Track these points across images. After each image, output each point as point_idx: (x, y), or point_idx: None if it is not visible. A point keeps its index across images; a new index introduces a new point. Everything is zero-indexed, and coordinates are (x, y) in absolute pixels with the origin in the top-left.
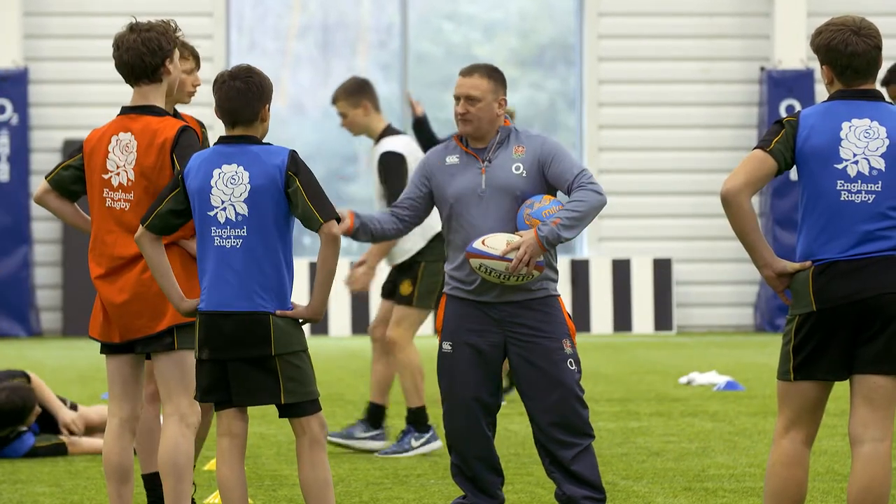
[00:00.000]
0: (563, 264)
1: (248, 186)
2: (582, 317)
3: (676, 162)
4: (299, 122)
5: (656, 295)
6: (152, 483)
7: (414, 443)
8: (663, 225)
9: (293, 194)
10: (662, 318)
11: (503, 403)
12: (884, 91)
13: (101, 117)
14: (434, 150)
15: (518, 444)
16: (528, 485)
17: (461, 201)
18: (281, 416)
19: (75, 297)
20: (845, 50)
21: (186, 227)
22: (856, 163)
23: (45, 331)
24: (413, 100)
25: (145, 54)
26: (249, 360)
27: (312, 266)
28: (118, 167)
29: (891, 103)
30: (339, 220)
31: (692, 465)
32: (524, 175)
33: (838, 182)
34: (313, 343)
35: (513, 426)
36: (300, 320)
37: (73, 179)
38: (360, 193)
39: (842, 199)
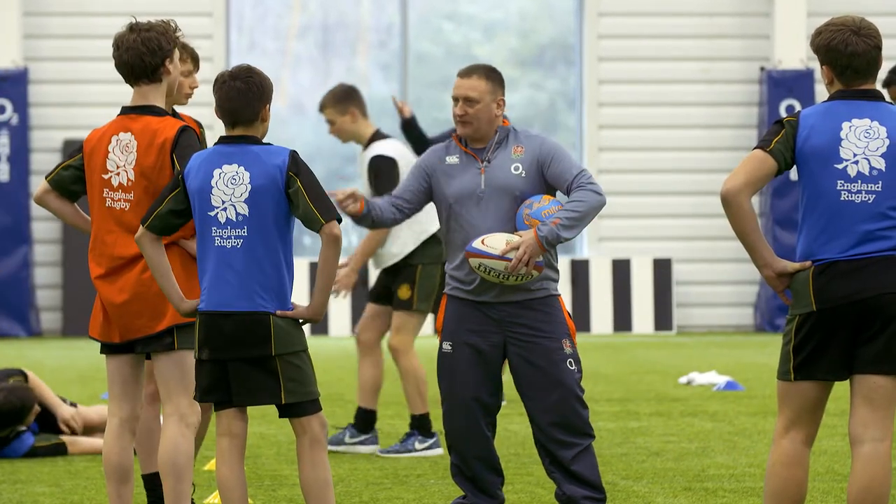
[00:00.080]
0: (563, 264)
1: (249, 186)
2: (582, 317)
3: (676, 162)
4: (299, 122)
5: (656, 295)
6: (152, 483)
7: (418, 445)
8: (663, 225)
9: (294, 195)
10: (662, 318)
11: (503, 403)
12: (885, 92)
13: (101, 117)
14: (434, 149)
15: (518, 444)
16: (528, 485)
17: (460, 201)
18: (281, 416)
19: (75, 297)
20: (845, 50)
21: (186, 227)
22: (856, 163)
23: (44, 331)
24: (398, 102)
25: (145, 54)
26: (250, 360)
27: (312, 266)
28: (118, 167)
29: (891, 103)
30: (340, 220)
31: (692, 465)
32: (523, 175)
33: (838, 182)
34: (313, 343)
35: (513, 426)
36: (300, 320)
37: (73, 179)
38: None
39: (842, 199)
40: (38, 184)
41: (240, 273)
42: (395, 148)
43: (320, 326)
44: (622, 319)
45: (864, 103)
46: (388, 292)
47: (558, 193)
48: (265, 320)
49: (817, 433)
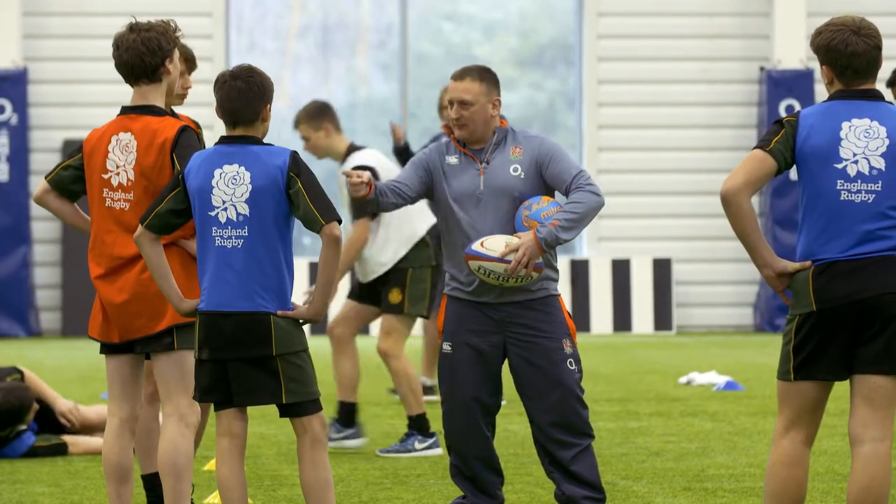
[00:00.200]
0: (562, 264)
1: (250, 187)
2: (582, 317)
3: (676, 162)
4: None
5: (656, 295)
6: (151, 483)
7: (418, 445)
8: (663, 225)
9: (294, 195)
10: (662, 318)
11: (503, 403)
12: (888, 92)
13: (100, 117)
14: (435, 148)
15: (517, 444)
16: (527, 485)
17: (459, 202)
18: (282, 415)
19: (75, 297)
20: (845, 50)
21: (186, 226)
22: (856, 162)
23: (44, 331)
24: (395, 128)
25: (145, 54)
26: (250, 360)
27: (312, 266)
28: (118, 167)
29: (891, 103)
30: (340, 221)
31: (692, 465)
32: (522, 176)
33: (838, 182)
34: (313, 343)
35: (512, 426)
36: (301, 321)
37: (73, 179)
38: None
39: (842, 198)
40: (37, 184)
41: (240, 273)
42: (372, 156)
43: (320, 327)
44: (622, 319)
45: (864, 103)
46: (374, 293)
47: (557, 194)
48: (265, 320)
49: (817, 433)
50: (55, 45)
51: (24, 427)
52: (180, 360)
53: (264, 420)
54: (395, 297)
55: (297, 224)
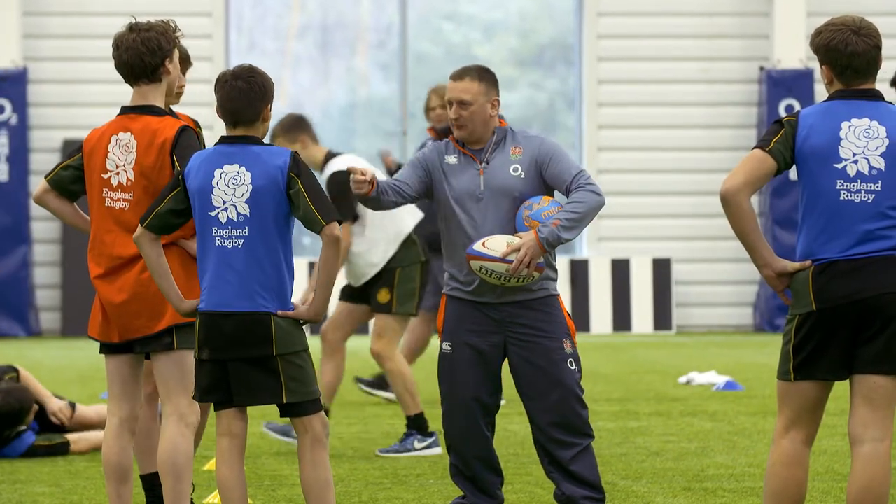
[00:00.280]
0: (562, 264)
1: (250, 187)
2: (581, 317)
3: (676, 162)
4: None
5: (656, 295)
6: (151, 483)
7: (417, 444)
8: (663, 225)
9: (295, 195)
10: (662, 317)
11: (503, 403)
12: (892, 92)
13: (100, 117)
14: (435, 147)
15: (517, 444)
16: (527, 485)
17: (459, 202)
18: (282, 415)
19: (74, 297)
20: (845, 50)
21: (186, 226)
22: (855, 162)
23: (44, 331)
24: (385, 156)
25: (145, 54)
26: (250, 360)
27: (312, 266)
28: (118, 167)
29: (890, 103)
30: (340, 221)
31: (691, 464)
32: (522, 176)
33: (838, 181)
34: (313, 343)
35: (512, 426)
36: (301, 321)
37: (73, 179)
38: None
39: (841, 198)
40: (37, 184)
41: (240, 273)
42: (350, 161)
43: (320, 327)
44: (622, 319)
45: (864, 103)
46: (366, 294)
47: (557, 194)
48: (266, 320)
49: (817, 433)
50: (55, 45)
51: (24, 427)
52: (180, 359)
53: (264, 420)
54: (383, 296)
55: (297, 224)
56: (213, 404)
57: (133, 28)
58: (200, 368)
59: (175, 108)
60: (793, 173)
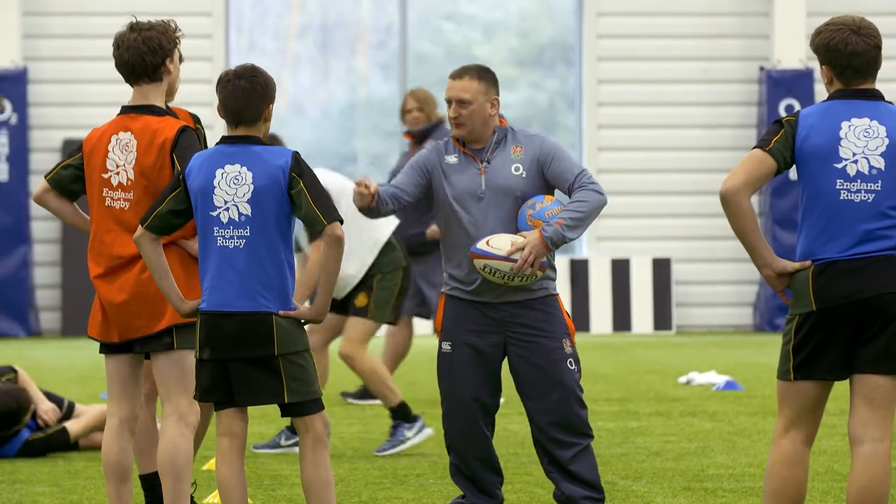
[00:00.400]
0: (562, 264)
1: (252, 187)
2: (581, 317)
3: (676, 162)
4: (299, 122)
5: (655, 295)
6: (150, 483)
7: (408, 433)
8: (663, 225)
9: (297, 195)
10: (662, 317)
11: (501, 402)
12: None
13: (100, 117)
14: (435, 148)
15: (517, 444)
16: (527, 484)
17: (460, 202)
18: (283, 415)
19: (74, 297)
20: (845, 49)
21: (186, 227)
22: (855, 162)
23: (44, 331)
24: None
25: (146, 53)
26: (252, 360)
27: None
28: (118, 166)
29: (890, 102)
30: (342, 221)
31: (691, 464)
32: (524, 176)
33: (838, 181)
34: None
35: (512, 426)
36: (303, 321)
37: (73, 179)
38: None
39: (841, 198)
40: (37, 183)
41: (242, 273)
42: (323, 175)
43: None
44: (621, 319)
45: (864, 103)
46: (343, 302)
47: (557, 193)
48: (267, 320)
49: (817, 433)
50: (55, 45)
51: (20, 427)
52: (180, 359)
53: (264, 420)
54: (360, 300)
55: (297, 223)
56: (213, 404)
57: (134, 27)
58: (201, 368)
59: (171, 103)
60: (793, 173)
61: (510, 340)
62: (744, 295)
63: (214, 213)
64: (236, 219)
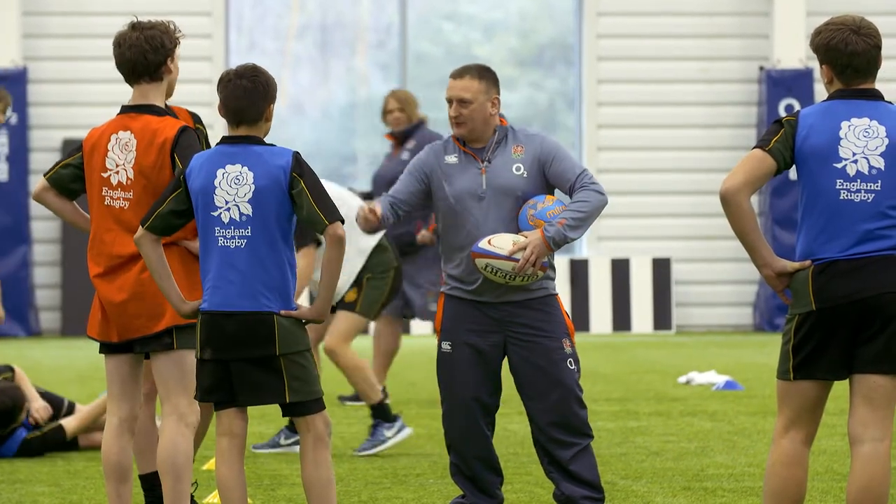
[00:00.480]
0: (562, 264)
1: (253, 187)
2: (581, 316)
3: (675, 161)
4: (299, 121)
5: (655, 294)
6: (150, 483)
7: (387, 433)
8: (662, 224)
9: (298, 195)
10: (661, 317)
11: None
12: None
13: (100, 117)
14: (432, 149)
15: (517, 444)
16: (527, 484)
17: (461, 202)
18: (285, 414)
19: (74, 297)
20: (845, 49)
21: (187, 228)
22: (855, 162)
23: (44, 330)
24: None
25: (149, 51)
26: (253, 360)
27: None
28: (117, 166)
29: (890, 102)
30: (343, 221)
31: (691, 464)
32: (525, 175)
33: (837, 181)
34: None
35: (512, 426)
36: (304, 321)
37: (73, 178)
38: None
39: (841, 198)
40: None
41: (243, 273)
42: None
43: None
44: (621, 319)
45: (864, 102)
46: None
47: (558, 192)
48: (269, 320)
49: (817, 433)
50: (55, 45)
51: (16, 426)
52: (180, 359)
53: (264, 420)
54: (350, 296)
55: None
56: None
57: (136, 26)
58: (203, 368)
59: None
60: (792, 173)
61: (510, 340)
62: (743, 295)
63: (215, 213)
64: (237, 219)
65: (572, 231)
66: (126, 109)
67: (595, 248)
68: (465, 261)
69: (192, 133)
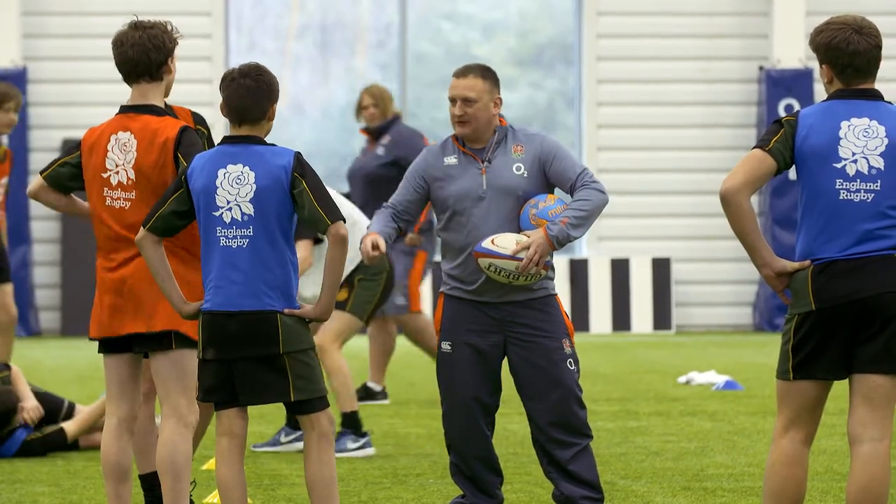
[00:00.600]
0: (561, 264)
1: (254, 186)
2: (581, 316)
3: (675, 161)
4: (299, 121)
5: (655, 294)
6: (149, 483)
7: (350, 444)
8: (662, 224)
9: (299, 195)
10: (661, 317)
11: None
12: None
13: (100, 117)
14: (429, 152)
15: (517, 444)
16: (526, 484)
17: (462, 203)
18: (289, 413)
19: (74, 297)
20: (846, 49)
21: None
22: (855, 162)
23: (43, 330)
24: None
25: (150, 50)
26: (257, 360)
27: None
28: (117, 166)
29: (890, 102)
30: (345, 220)
31: (691, 464)
32: (525, 175)
33: (837, 181)
34: None
35: (512, 426)
36: (308, 319)
37: (70, 177)
38: None
39: (841, 198)
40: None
41: (246, 272)
42: None
43: None
44: (621, 319)
45: (863, 102)
46: None
47: (558, 191)
48: (272, 319)
49: (816, 432)
50: (54, 45)
51: (15, 426)
52: (179, 359)
53: (264, 420)
54: (340, 294)
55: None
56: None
57: (137, 26)
58: (204, 368)
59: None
60: (792, 173)
61: (510, 340)
62: (743, 295)
63: (217, 213)
64: (239, 218)
65: (575, 230)
66: (125, 109)
67: (595, 248)
68: (466, 261)
69: (192, 132)
